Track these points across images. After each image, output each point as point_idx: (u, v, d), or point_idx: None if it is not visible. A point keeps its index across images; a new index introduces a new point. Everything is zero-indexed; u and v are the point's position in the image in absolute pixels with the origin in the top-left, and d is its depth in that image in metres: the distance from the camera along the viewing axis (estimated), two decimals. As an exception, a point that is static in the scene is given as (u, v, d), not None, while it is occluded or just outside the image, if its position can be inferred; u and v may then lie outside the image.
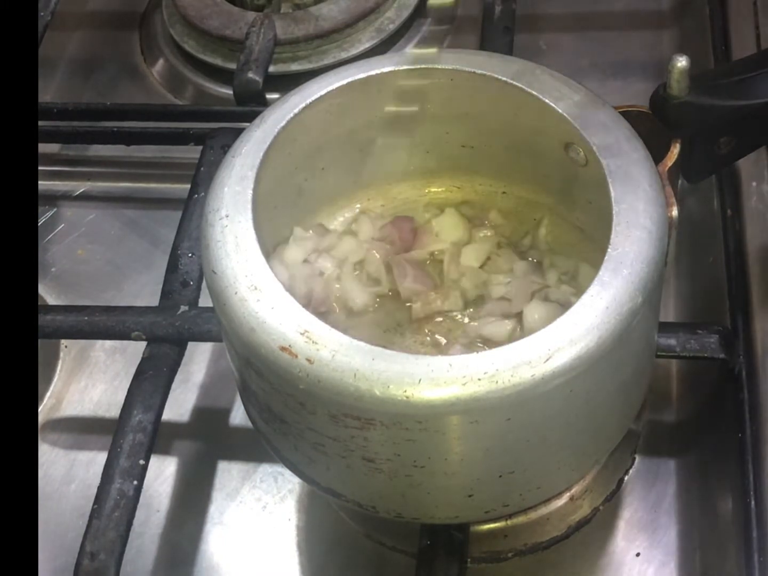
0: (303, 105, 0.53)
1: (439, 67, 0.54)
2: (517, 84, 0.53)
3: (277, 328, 0.45)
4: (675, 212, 0.49)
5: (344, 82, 0.54)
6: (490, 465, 0.48)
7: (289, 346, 0.45)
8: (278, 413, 0.49)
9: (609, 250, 0.46)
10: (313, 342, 0.45)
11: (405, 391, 0.44)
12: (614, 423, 0.52)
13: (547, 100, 0.52)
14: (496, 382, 0.43)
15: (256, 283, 0.47)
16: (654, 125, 0.53)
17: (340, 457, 0.48)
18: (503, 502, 0.50)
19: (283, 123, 0.52)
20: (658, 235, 0.47)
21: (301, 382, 0.45)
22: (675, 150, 0.52)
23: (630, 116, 0.52)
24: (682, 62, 0.51)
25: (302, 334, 0.45)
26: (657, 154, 0.51)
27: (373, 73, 0.54)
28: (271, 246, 0.54)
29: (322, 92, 0.53)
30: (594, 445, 0.52)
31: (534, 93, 0.52)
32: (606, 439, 0.53)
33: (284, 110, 0.53)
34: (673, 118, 0.53)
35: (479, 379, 0.43)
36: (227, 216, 0.49)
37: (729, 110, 0.53)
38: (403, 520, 0.51)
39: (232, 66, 0.75)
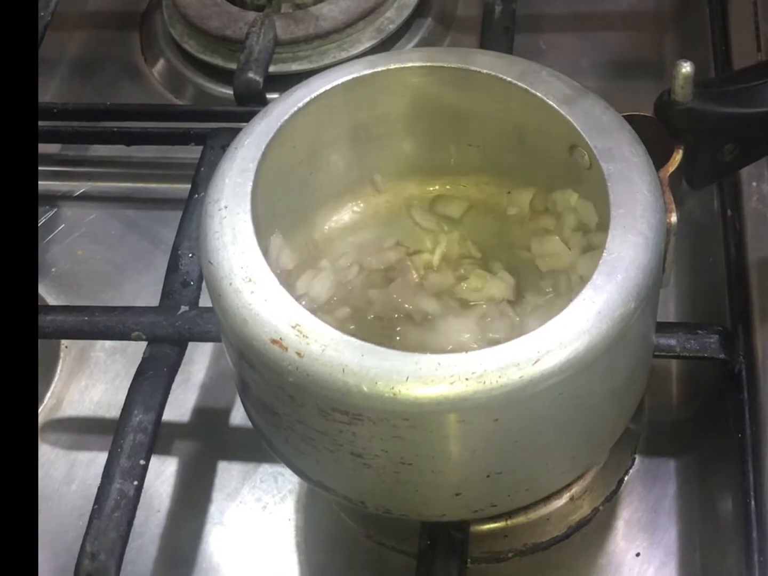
0: (307, 99, 0.53)
1: (446, 65, 0.54)
2: (522, 85, 0.53)
3: (269, 321, 0.45)
4: (674, 218, 0.49)
5: (350, 77, 0.54)
6: (478, 465, 0.48)
7: (280, 339, 0.45)
8: (270, 405, 0.49)
9: (604, 254, 0.46)
10: (303, 336, 0.45)
11: (392, 388, 0.44)
12: (605, 428, 0.52)
13: (551, 103, 0.52)
14: (484, 382, 0.43)
15: (251, 275, 0.47)
16: (658, 130, 0.53)
17: (329, 451, 0.48)
18: (491, 502, 0.50)
19: (287, 116, 0.52)
20: (654, 240, 0.47)
21: (290, 375, 0.45)
22: (677, 156, 0.52)
23: (634, 121, 0.52)
24: (686, 68, 0.51)
25: (294, 327, 0.45)
26: (660, 160, 0.51)
27: (379, 69, 0.54)
28: (270, 239, 0.54)
29: (327, 87, 0.53)
30: (584, 449, 0.52)
31: (539, 95, 0.52)
32: (597, 444, 0.53)
33: (288, 104, 0.53)
34: (677, 123, 0.52)
35: (467, 379, 0.43)
36: (226, 207, 0.49)
37: (733, 117, 0.53)
38: (392, 516, 0.51)
39: (232, 66, 0.75)
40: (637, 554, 0.57)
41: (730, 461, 0.56)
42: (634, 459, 0.60)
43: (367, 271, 0.56)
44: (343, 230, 0.58)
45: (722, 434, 0.57)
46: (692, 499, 0.58)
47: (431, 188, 0.59)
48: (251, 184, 0.50)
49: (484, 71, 0.53)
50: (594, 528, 0.58)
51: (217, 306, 0.48)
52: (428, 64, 0.54)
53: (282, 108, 0.53)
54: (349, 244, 0.58)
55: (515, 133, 0.55)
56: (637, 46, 0.81)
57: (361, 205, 0.59)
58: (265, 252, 0.48)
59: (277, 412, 0.49)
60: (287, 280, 0.54)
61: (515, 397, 0.44)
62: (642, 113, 0.53)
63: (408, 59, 0.55)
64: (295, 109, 0.52)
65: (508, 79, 0.53)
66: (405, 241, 0.57)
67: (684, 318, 0.64)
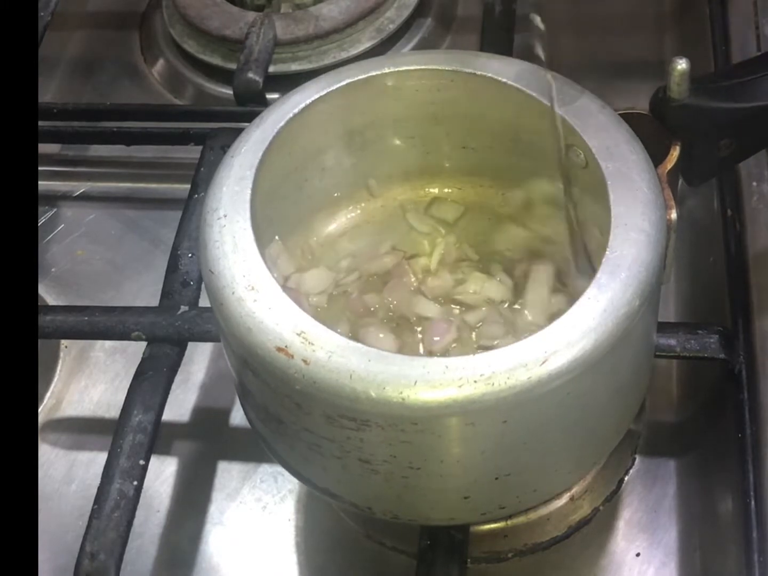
0: (303, 105, 0.53)
1: (439, 68, 0.54)
2: (516, 86, 0.52)
3: (274, 329, 0.45)
4: (674, 215, 0.49)
5: (345, 82, 0.54)
6: (486, 467, 0.48)
7: (286, 346, 0.45)
8: (275, 414, 0.49)
9: (607, 252, 0.46)
10: (309, 343, 0.45)
11: (401, 393, 0.44)
12: (612, 426, 0.52)
13: (546, 103, 0.52)
14: (492, 384, 0.43)
15: (253, 283, 0.47)
16: (655, 128, 0.53)
17: (336, 458, 0.48)
18: (499, 504, 0.50)
19: (283, 123, 0.52)
20: (656, 238, 0.47)
21: (297, 383, 0.45)
22: (675, 153, 0.52)
23: (631, 119, 0.52)
24: (682, 65, 0.51)
25: (299, 334, 0.45)
26: (657, 157, 0.51)
27: (373, 73, 0.54)
28: (269, 245, 0.54)
29: (323, 92, 0.53)
30: (591, 447, 0.52)
31: (534, 95, 0.52)
32: (603, 442, 0.53)
33: (284, 110, 0.53)
34: (673, 120, 0.52)
35: (475, 381, 0.43)
36: (225, 216, 0.49)
37: (729, 113, 0.53)
38: (399, 521, 0.51)
39: (232, 66, 0.75)
40: (637, 554, 0.57)
41: (730, 461, 0.56)
42: (634, 459, 0.60)
43: (366, 277, 0.56)
44: (340, 236, 0.58)
45: (722, 434, 0.57)
46: (692, 499, 0.58)
47: (427, 191, 0.59)
48: (249, 191, 0.50)
49: (478, 73, 0.53)
50: (594, 528, 0.58)
51: (220, 315, 0.47)
52: (422, 67, 0.54)
53: (277, 115, 0.53)
54: (346, 250, 0.58)
55: (512, 134, 0.55)
56: (637, 46, 0.81)
57: (358, 210, 0.59)
58: (263, 258, 0.48)
59: (282, 421, 0.48)
60: (286, 284, 0.54)
61: (524, 398, 0.44)
62: (638, 111, 0.53)
63: (402, 63, 0.55)
64: (291, 115, 0.52)
65: (503, 80, 0.53)
66: (401, 246, 0.57)
67: (684, 318, 0.64)
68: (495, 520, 0.56)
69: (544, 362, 0.44)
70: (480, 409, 0.44)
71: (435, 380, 0.44)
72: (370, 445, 0.46)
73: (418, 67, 0.54)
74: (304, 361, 0.44)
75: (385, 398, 0.44)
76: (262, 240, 0.49)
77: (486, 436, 0.46)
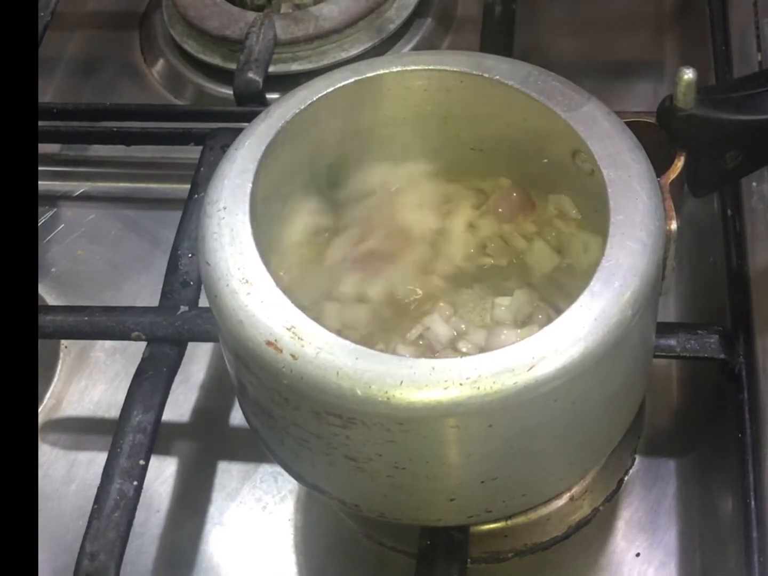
0: (310, 101, 0.53)
1: (449, 69, 0.54)
2: (525, 90, 0.52)
3: (265, 323, 0.45)
4: (674, 226, 0.49)
5: (352, 80, 0.54)
6: (472, 470, 0.48)
7: (275, 340, 0.45)
8: (265, 407, 0.49)
9: (602, 261, 0.46)
10: (298, 338, 0.45)
11: (386, 392, 0.44)
12: (603, 434, 0.52)
13: (553, 108, 0.51)
14: (478, 387, 0.43)
15: (248, 277, 0.47)
16: (660, 137, 0.52)
17: (323, 454, 0.48)
18: (486, 508, 0.50)
19: (288, 118, 0.52)
20: (653, 248, 0.47)
21: (284, 378, 0.45)
22: (679, 163, 0.52)
23: (636, 127, 0.51)
24: (688, 74, 0.50)
25: (289, 329, 0.45)
26: (662, 167, 0.51)
27: (382, 72, 0.54)
28: (270, 240, 0.54)
29: (330, 89, 0.53)
30: (581, 455, 0.52)
31: (541, 100, 0.52)
32: (594, 451, 0.52)
33: (290, 105, 0.53)
34: (679, 129, 0.52)
35: (461, 384, 0.43)
36: (225, 208, 0.49)
37: (736, 124, 0.52)
38: (386, 520, 0.51)
39: (232, 66, 0.75)
40: (637, 554, 0.57)
41: (730, 461, 0.56)
42: (634, 459, 0.60)
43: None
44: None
45: (722, 434, 0.57)
46: (692, 499, 0.58)
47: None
48: (250, 185, 0.50)
49: (487, 75, 0.53)
50: (594, 528, 0.58)
51: (214, 307, 0.48)
52: (431, 67, 0.54)
53: (283, 109, 0.53)
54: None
55: (519, 138, 0.55)
56: (638, 46, 0.81)
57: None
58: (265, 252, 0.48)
59: (272, 415, 0.49)
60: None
61: (510, 402, 0.44)
62: (644, 119, 0.53)
63: (411, 62, 0.55)
64: (297, 110, 0.52)
65: (510, 83, 0.53)
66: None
67: (684, 318, 0.64)
68: (483, 523, 0.56)
69: (531, 368, 0.44)
70: (465, 412, 0.44)
71: (421, 381, 0.44)
72: (356, 442, 0.46)
73: (427, 68, 0.54)
74: (293, 356, 0.44)
75: (370, 397, 0.44)
76: (262, 233, 0.49)
77: (471, 439, 0.46)
